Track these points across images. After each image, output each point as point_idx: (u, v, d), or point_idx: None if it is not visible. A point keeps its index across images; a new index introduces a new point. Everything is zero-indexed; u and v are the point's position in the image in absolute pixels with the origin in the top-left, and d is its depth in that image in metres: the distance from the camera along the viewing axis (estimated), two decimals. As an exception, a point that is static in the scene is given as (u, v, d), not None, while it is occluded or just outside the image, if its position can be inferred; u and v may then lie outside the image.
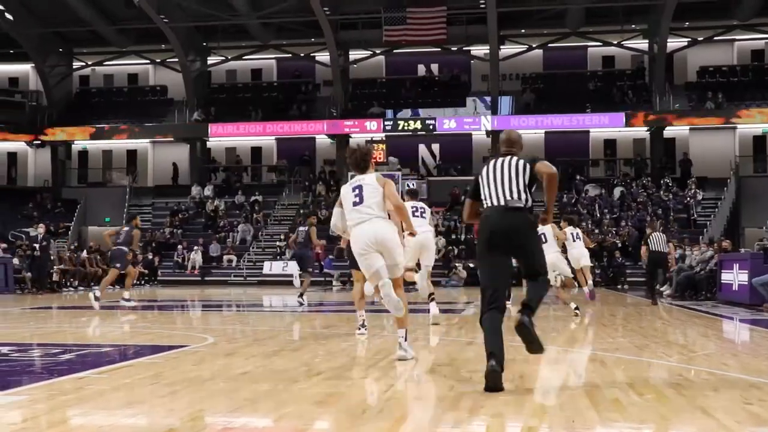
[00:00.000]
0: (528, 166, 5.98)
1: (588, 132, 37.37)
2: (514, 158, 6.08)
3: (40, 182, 40.54)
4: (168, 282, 30.90)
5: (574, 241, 15.75)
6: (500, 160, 6.11)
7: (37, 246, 23.37)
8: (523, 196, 5.91)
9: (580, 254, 15.74)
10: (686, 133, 36.86)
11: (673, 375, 6.56)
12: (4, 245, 26.01)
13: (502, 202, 5.88)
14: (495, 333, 5.90)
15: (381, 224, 7.16)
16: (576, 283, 17.76)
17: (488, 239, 5.85)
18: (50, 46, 40.55)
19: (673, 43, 37.32)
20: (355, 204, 7.24)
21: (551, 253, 12.18)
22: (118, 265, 16.18)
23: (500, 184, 5.94)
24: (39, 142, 39.53)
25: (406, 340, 7.36)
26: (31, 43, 39.36)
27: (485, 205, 6.02)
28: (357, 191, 7.27)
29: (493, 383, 5.64)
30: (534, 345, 5.93)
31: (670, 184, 34.03)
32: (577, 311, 13.13)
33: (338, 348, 9.11)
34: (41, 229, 23.89)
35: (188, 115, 39.33)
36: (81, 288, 25.63)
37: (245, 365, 7.12)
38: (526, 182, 5.94)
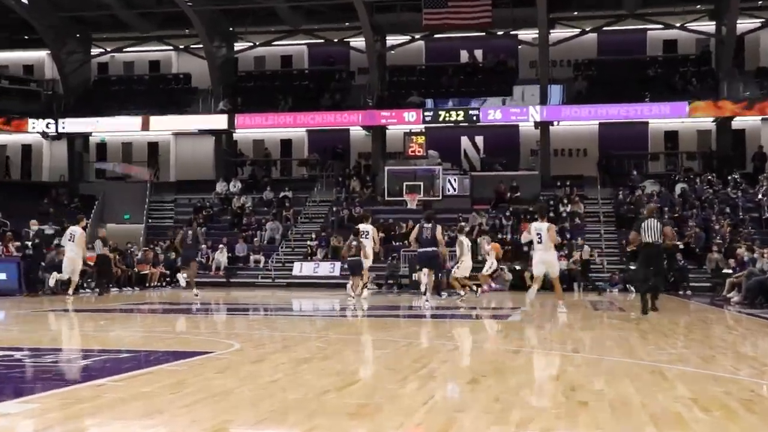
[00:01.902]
0: (661, 225, 15.55)
1: (647, 123, 36.89)
2: (655, 220, 15.45)
3: (55, 177, 41.07)
4: (190, 284, 31.07)
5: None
6: (651, 220, 15.36)
7: (29, 244, 23.46)
8: (660, 239, 15.31)
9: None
10: (758, 124, 36.22)
11: (743, 390, 6.44)
12: (18, 244, 26.32)
13: (653, 240, 15.15)
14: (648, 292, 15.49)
15: (550, 254, 15.53)
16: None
17: (650, 255, 15.40)
18: (67, 31, 41.05)
19: (744, 24, 36.66)
20: (537, 242, 15.40)
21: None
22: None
23: (653, 232, 15.15)
24: (55, 133, 40.04)
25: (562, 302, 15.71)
26: (47, 28, 39.88)
27: (645, 240, 15.16)
28: (539, 236, 15.31)
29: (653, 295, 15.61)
30: (647, 308, 15.22)
31: (739, 180, 33.51)
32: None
33: (373, 355, 9.10)
34: (34, 225, 23.97)
35: (213, 105, 39.54)
36: (98, 290, 25.69)
37: (273, 373, 7.13)
38: (661, 231, 15.38)
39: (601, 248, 31.07)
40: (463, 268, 20.61)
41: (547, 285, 21.76)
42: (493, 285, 24.57)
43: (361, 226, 20.54)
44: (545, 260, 15.62)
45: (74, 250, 20.33)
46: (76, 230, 20.48)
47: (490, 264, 24.04)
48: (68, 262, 20.43)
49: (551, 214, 32.17)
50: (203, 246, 29.37)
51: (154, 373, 7.22)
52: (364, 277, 20.42)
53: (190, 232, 21.10)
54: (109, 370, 7.58)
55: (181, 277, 21.35)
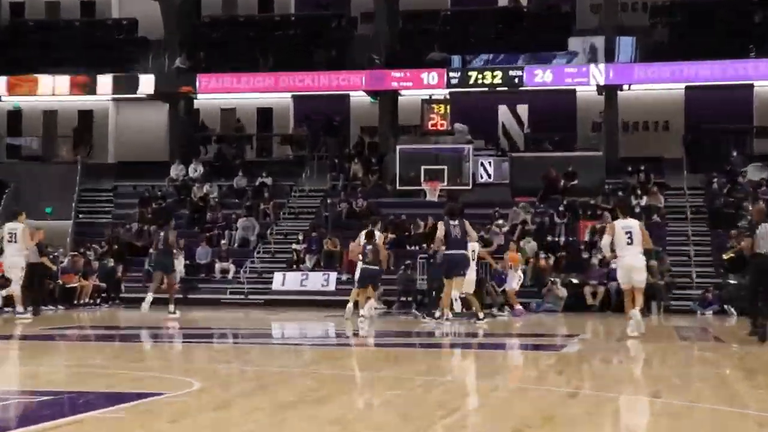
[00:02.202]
0: None
1: (751, 86, 36.68)
2: None
3: (-49, 156, 41.15)
4: (135, 300, 30.94)
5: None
6: (766, 224, 15.78)
7: None
8: None
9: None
10: None
11: None
12: None
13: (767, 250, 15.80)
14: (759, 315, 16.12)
15: (638, 259, 16.35)
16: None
17: (762, 269, 15.85)
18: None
19: None
20: (627, 243, 16.17)
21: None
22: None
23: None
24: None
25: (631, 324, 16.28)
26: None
27: (757, 249, 15.79)
28: (629, 235, 16.16)
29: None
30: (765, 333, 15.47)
31: None
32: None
33: (381, 398, 9.04)
34: None
35: (167, 61, 39.47)
36: (7, 309, 25.28)
37: (245, 422, 7.08)
38: None
39: (688, 255, 30.92)
40: (466, 282, 20.87)
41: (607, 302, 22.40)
42: (518, 307, 25.03)
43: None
44: (632, 266, 16.40)
45: (16, 253, 21.27)
46: (17, 227, 21.37)
47: (519, 279, 25.24)
48: (11, 269, 21.53)
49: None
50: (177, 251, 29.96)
51: (83, 422, 7.15)
52: (372, 294, 21.87)
53: (161, 233, 22.61)
54: (22, 420, 7.52)
55: (150, 295, 22.93)
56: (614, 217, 17.28)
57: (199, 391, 8.96)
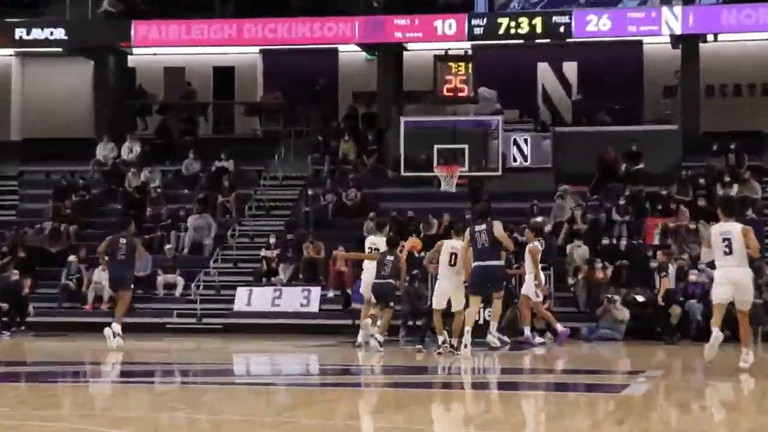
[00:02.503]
0: None
1: None
2: None
3: None
4: (49, 326, 31.02)
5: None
6: None
7: None
8: None
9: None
10: None
11: None
12: None
13: None
14: None
15: (741, 272, 16.67)
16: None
17: None
18: None
19: None
20: (725, 253, 16.45)
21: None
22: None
23: None
24: None
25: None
26: None
27: None
28: (727, 242, 16.41)
29: None
30: None
31: None
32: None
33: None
34: None
35: (92, 3, 39.54)
36: None
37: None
38: None
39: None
40: (439, 292, 20.99)
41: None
42: (561, 328, 24.38)
43: (373, 239, 22.93)
44: (736, 280, 16.69)
45: None
46: None
47: (531, 283, 23.99)
48: None
49: (701, 202, 32.15)
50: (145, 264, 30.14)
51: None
52: (386, 314, 21.96)
53: (123, 239, 22.61)
54: None
55: (110, 333, 22.53)
56: (703, 218, 17.38)
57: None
